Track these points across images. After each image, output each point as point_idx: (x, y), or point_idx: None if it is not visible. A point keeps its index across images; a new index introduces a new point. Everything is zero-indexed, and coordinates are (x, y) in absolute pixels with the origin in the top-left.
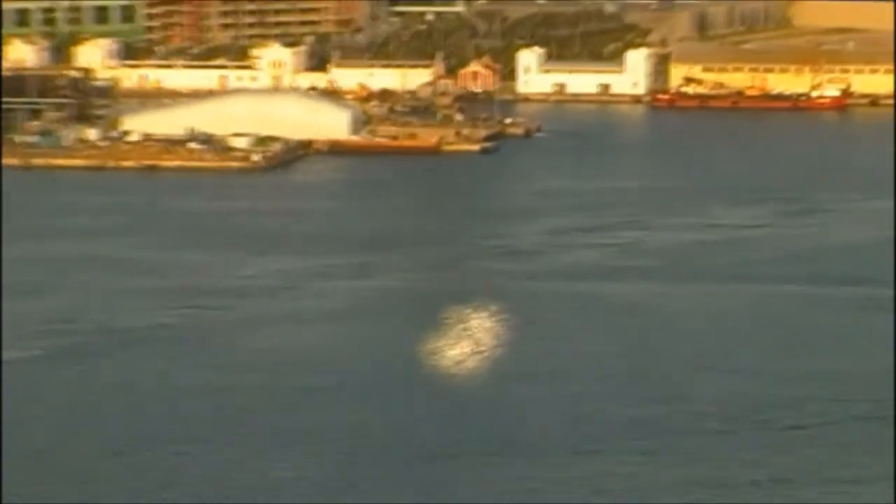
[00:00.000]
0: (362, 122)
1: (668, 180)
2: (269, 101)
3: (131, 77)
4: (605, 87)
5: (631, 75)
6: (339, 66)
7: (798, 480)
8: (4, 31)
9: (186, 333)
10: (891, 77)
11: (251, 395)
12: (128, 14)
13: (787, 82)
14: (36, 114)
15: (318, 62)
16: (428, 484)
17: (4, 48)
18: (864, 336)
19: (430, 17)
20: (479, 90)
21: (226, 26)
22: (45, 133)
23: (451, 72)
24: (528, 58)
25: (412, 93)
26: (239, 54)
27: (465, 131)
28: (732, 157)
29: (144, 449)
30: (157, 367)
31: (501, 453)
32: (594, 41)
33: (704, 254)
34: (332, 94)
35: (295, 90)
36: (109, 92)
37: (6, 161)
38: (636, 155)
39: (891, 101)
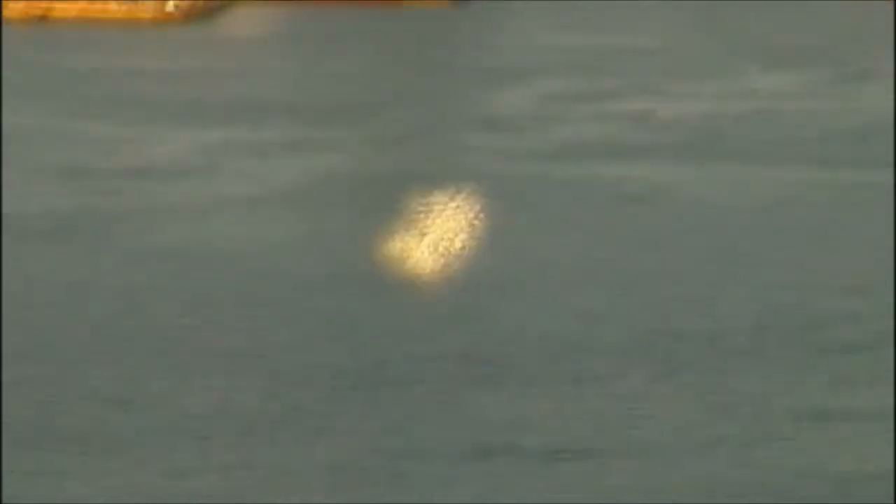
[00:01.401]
0: None
1: (690, 36)
2: None
3: None
4: None
5: None
6: None
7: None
8: None
9: (81, 223)
10: None
11: (162, 304)
12: None
13: None
14: None
15: None
16: (379, 417)
17: None
18: None
19: None
20: None
21: None
22: None
23: None
24: None
25: None
26: None
27: None
28: (771, 9)
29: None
30: (42, 265)
31: (476, 380)
32: None
33: (732, 129)
34: None
35: None
36: None
37: None
38: (652, 6)
39: None
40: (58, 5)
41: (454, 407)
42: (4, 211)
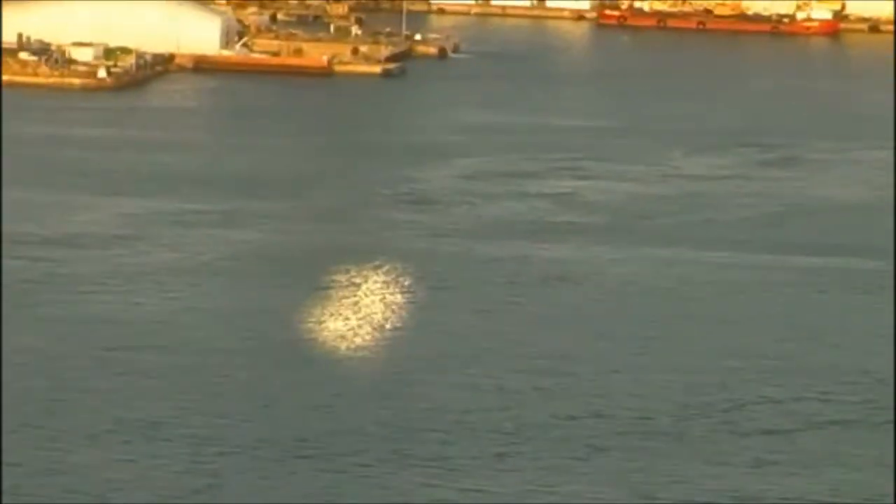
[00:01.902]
0: (236, 33)
1: (615, 118)
2: (121, 3)
3: None
4: None
5: None
6: None
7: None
8: None
9: (2, 291)
10: None
11: (81, 372)
12: None
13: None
14: None
15: None
16: (300, 489)
17: None
18: (850, 318)
19: None
20: None
21: None
22: None
23: None
24: None
25: None
26: None
27: (364, 49)
28: (696, 92)
29: None
30: None
31: (397, 456)
32: None
33: (658, 211)
34: None
35: None
36: None
37: None
38: (577, 85)
39: (891, 27)
40: None
41: (375, 482)
42: None
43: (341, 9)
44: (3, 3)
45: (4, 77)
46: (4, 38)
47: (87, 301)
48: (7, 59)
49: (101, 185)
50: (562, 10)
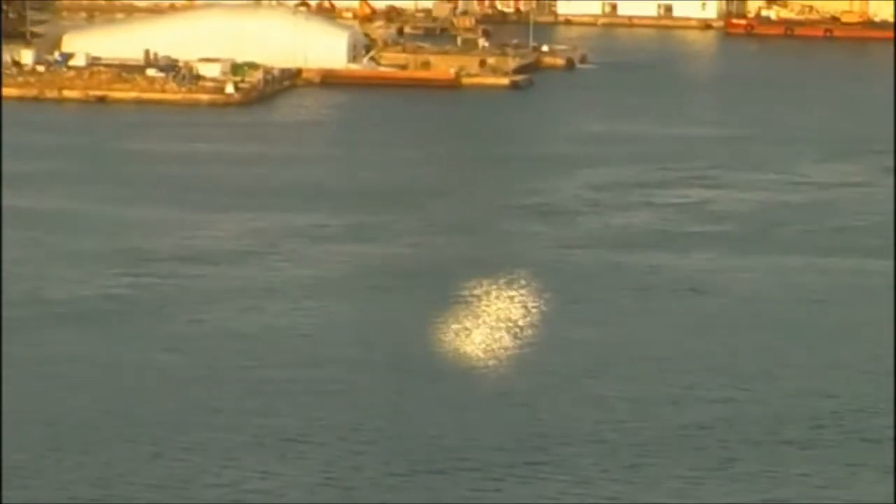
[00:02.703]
0: (363, 47)
1: (744, 127)
2: (248, 18)
3: None
4: (667, 8)
5: None
6: None
7: None
8: None
9: (135, 308)
10: None
11: (216, 389)
12: None
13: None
14: None
15: None
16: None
17: None
18: None
19: None
20: (509, 10)
21: None
22: None
23: None
24: None
25: (426, 12)
26: None
27: (492, 61)
28: (824, 99)
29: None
30: (95, 350)
31: (528, 472)
32: None
33: (788, 219)
34: (327, 12)
35: (281, 6)
36: (48, 4)
37: None
38: (705, 94)
39: None
40: (117, 87)
41: (508, 495)
42: (55, 297)
43: (468, 21)
44: (130, 19)
45: (132, 94)
46: (131, 54)
47: (218, 318)
48: (135, 76)
49: (230, 200)
50: (689, 19)
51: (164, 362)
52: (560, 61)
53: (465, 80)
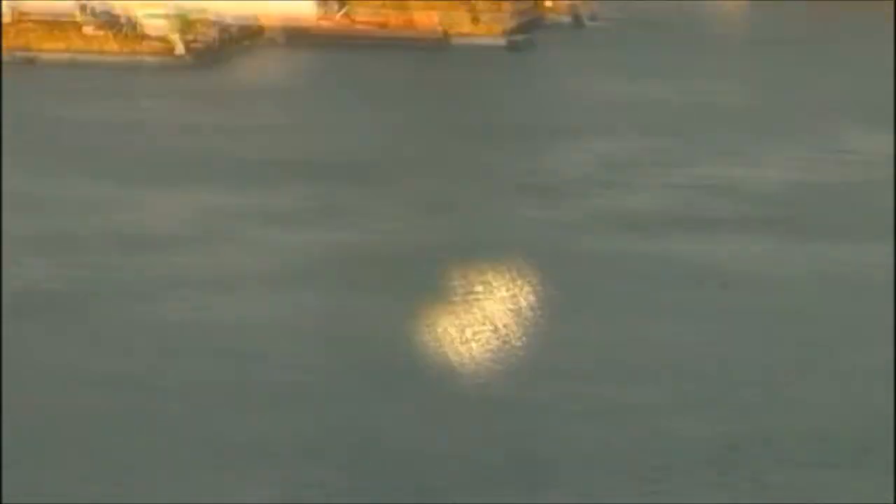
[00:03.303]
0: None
1: (779, 92)
2: None
3: None
4: None
5: None
6: None
7: None
8: None
9: (66, 300)
10: None
11: (156, 396)
12: None
13: None
14: None
15: None
16: None
17: None
18: None
19: None
20: None
21: None
22: None
23: None
24: None
25: None
26: None
27: (486, 16)
28: (872, 62)
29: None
30: (20, 348)
31: (530, 492)
32: None
33: (829, 200)
34: None
35: None
36: None
37: None
38: (733, 55)
39: None
40: (47, 44)
41: None
42: None
43: None
44: None
45: (67, 53)
46: (64, 8)
47: (159, 314)
48: (70, 33)
49: (177, 176)
50: None
51: (95, 365)
52: (565, 17)
53: (455, 38)
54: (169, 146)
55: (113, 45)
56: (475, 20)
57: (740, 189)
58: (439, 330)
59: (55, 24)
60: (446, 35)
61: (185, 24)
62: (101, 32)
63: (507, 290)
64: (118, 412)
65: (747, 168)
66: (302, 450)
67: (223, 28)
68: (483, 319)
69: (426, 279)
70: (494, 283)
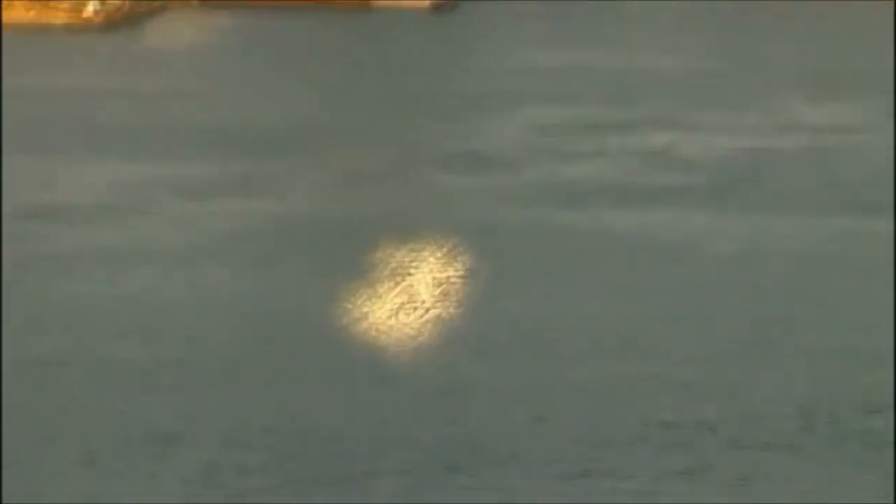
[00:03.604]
0: None
1: (717, 57)
2: None
3: None
4: None
5: None
6: None
7: None
8: None
9: None
10: None
11: (65, 377)
12: None
13: None
14: None
15: None
16: None
17: None
18: None
19: None
20: None
21: None
22: None
23: None
24: None
25: None
26: None
27: None
28: (816, 30)
29: None
30: None
31: (454, 473)
32: None
33: (772, 170)
34: None
35: None
36: None
37: None
38: (670, 18)
39: None
40: None
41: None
42: None
43: None
44: None
45: None
46: None
47: (69, 289)
48: None
49: (88, 145)
50: None
51: (9, 343)
52: None
53: (377, 3)
54: (77, 114)
55: (17, 7)
56: None
57: (678, 157)
58: (363, 307)
59: None
60: None
61: None
62: None
63: (435, 265)
64: (21, 393)
65: (686, 133)
66: (218, 432)
67: None
68: (410, 296)
69: (350, 254)
70: (421, 258)
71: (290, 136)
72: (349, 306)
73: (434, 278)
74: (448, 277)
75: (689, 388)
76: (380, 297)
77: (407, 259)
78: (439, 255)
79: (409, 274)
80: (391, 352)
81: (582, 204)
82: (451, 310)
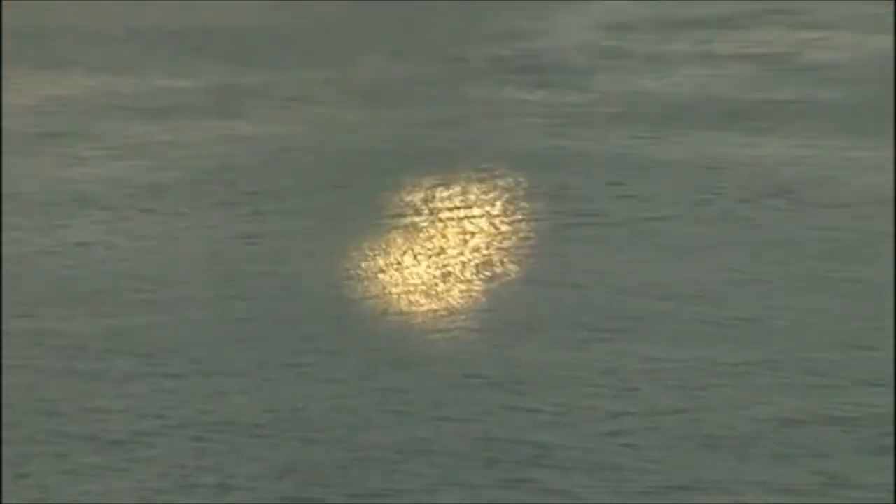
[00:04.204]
0: None
1: None
2: None
3: None
4: None
5: None
6: None
7: None
8: None
9: None
10: None
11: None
12: None
13: None
14: None
15: None
16: None
17: None
18: None
19: None
20: None
21: None
22: None
23: None
24: None
25: None
26: None
27: None
28: None
29: None
30: None
31: (522, 482)
32: None
33: None
34: None
35: None
36: None
37: None
38: None
39: None
40: None
41: None
42: None
43: None
44: None
45: None
46: None
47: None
48: None
49: (22, 52)
50: None
51: None
52: None
53: None
54: (12, 15)
55: None
56: None
57: (804, 63)
58: (375, 268)
59: None
60: None
61: None
62: None
63: (474, 210)
64: None
65: (814, 32)
66: (190, 423)
67: None
68: (437, 253)
69: (361, 195)
70: (455, 201)
71: (287, 37)
72: (355, 267)
73: (470, 229)
74: (488, 228)
75: (822, 377)
76: (396, 254)
77: (440, 202)
78: (484, 195)
79: (438, 223)
80: (414, 324)
81: (676, 126)
82: (495, 271)
